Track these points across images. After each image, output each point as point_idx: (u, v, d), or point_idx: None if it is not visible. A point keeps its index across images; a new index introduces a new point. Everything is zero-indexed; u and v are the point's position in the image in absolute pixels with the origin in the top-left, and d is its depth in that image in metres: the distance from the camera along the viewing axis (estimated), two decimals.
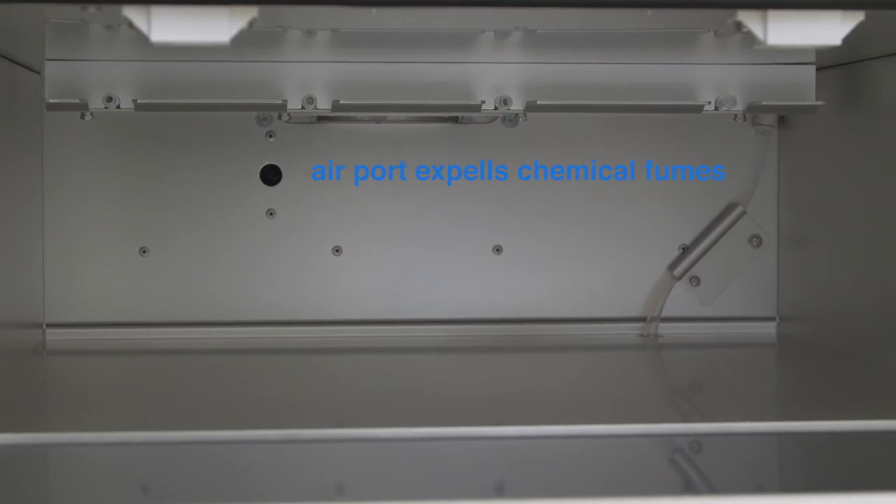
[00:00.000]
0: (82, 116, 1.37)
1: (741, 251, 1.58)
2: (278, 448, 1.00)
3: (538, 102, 1.35)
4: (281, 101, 1.33)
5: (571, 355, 1.49)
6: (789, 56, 1.38)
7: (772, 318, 1.59)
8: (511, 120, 1.53)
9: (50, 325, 1.52)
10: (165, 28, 0.96)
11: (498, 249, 1.57)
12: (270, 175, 1.54)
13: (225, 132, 1.53)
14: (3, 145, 1.36)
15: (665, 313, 1.57)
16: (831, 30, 1.00)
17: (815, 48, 1.27)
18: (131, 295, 1.53)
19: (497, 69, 1.36)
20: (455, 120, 1.54)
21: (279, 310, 1.54)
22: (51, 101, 1.31)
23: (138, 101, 1.31)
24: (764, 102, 1.37)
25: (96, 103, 1.32)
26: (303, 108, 1.35)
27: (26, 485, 0.92)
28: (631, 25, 1.32)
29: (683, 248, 1.58)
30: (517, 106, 1.36)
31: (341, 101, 1.33)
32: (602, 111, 1.41)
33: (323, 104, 1.35)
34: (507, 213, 1.56)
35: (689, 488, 0.94)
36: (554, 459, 0.99)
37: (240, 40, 0.97)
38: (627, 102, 1.37)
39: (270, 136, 1.54)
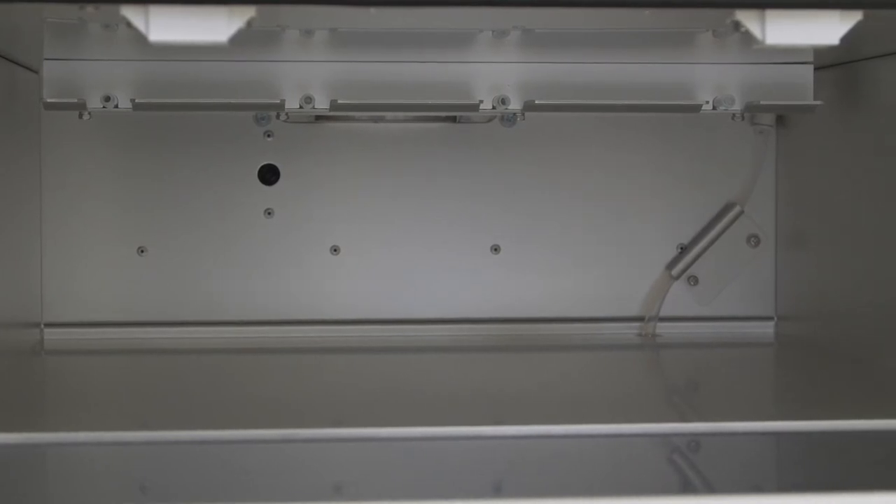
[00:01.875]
0: (80, 116, 1.37)
1: (739, 251, 1.58)
2: (277, 448, 1.00)
3: (536, 102, 1.35)
4: (279, 101, 1.33)
5: (569, 355, 1.49)
6: (787, 55, 1.38)
7: (770, 318, 1.59)
8: (509, 119, 1.53)
9: (48, 325, 1.52)
10: (164, 27, 0.96)
11: (496, 249, 1.57)
12: (268, 175, 1.54)
13: (223, 132, 1.53)
14: (1, 145, 1.36)
15: (663, 313, 1.57)
16: (829, 29, 1.00)
17: (813, 48, 1.27)
18: (129, 294, 1.53)
19: (495, 69, 1.36)
20: (453, 119, 1.54)
21: (277, 309, 1.54)
22: (49, 100, 1.31)
23: (136, 100, 1.31)
24: (762, 102, 1.37)
25: (94, 103, 1.32)
26: (301, 107, 1.35)
27: (25, 485, 0.92)
28: (629, 25, 1.32)
29: (681, 248, 1.58)
30: (515, 105, 1.36)
31: (339, 101, 1.33)
32: (600, 111, 1.41)
33: (321, 104, 1.35)
34: (505, 213, 1.56)
35: (687, 488, 0.94)
36: (552, 459, 0.99)
37: (238, 40, 0.97)
38: (626, 102, 1.37)
39: (268, 136, 1.54)
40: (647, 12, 1.12)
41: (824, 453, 1.02)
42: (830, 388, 1.27)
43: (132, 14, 0.96)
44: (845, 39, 1.00)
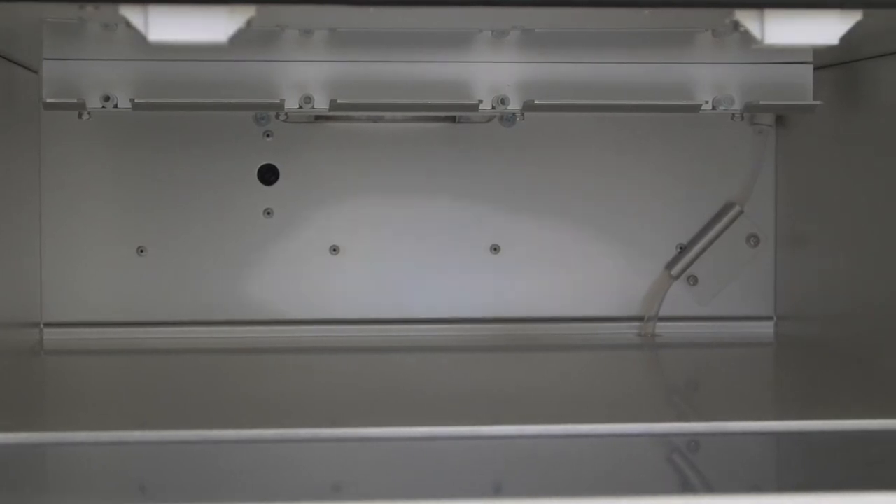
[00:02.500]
0: (80, 116, 1.37)
1: (739, 250, 1.58)
2: (276, 447, 1.00)
3: (536, 102, 1.35)
4: (278, 101, 1.33)
5: (569, 355, 1.49)
6: (787, 55, 1.38)
7: (769, 318, 1.59)
8: (509, 119, 1.53)
9: (47, 325, 1.51)
10: (163, 27, 0.96)
11: (495, 249, 1.56)
12: (268, 174, 1.54)
13: (222, 132, 1.53)
14: (1, 145, 1.36)
15: (663, 312, 1.57)
16: (829, 29, 1.00)
17: (812, 47, 1.27)
18: (129, 294, 1.53)
19: (495, 68, 1.36)
20: (453, 119, 1.54)
21: (276, 309, 1.54)
22: (48, 100, 1.31)
23: (136, 100, 1.31)
24: (762, 102, 1.37)
25: (94, 103, 1.32)
26: (300, 107, 1.35)
27: (24, 484, 0.92)
28: (629, 25, 1.32)
29: (681, 248, 1.58)
30: (515, 105, 1.36)
31: (339, 101, 1.33)
32: (600, 111, 1.41)
33: (320, 103, 1.35)
34: (505, 213, 1.56)
35: (686, 488, 0.94)
36: (552, 459, 0.99)
37: (238, 40, 0.97)
38: (625, 102, 1.37)
39: (268, 136, 1.54)
40: (646, 12, 1.12)
41: (824, 453, 1.02)
42: (830, 388, 1.27)
43: (131, 14, 0.96)
44: (845, 39, 1.00)
